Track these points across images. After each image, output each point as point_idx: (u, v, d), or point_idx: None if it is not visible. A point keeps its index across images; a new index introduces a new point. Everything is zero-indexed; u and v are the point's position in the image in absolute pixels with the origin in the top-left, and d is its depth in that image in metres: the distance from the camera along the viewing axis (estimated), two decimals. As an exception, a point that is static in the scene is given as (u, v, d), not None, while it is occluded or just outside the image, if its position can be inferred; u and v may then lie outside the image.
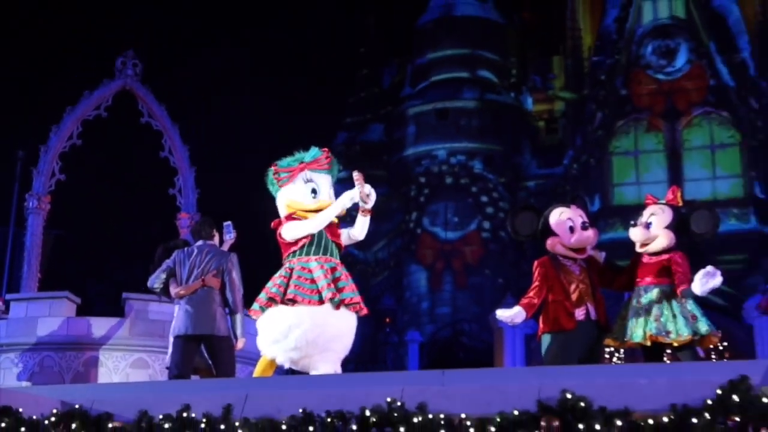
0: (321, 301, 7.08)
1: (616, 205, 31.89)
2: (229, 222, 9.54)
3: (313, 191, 7.40)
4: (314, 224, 7.29)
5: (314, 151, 7.55)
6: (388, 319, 34.46)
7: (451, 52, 35.49)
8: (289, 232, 7.32)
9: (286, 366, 7.30)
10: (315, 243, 7.28)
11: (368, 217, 7.47)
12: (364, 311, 7.33)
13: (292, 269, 7.25)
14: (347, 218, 7.56)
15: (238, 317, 8.43)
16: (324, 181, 7.48)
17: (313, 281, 7.14)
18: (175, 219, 17.64)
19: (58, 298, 12.31)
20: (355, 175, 7.27)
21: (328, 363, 7.10)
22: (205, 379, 8.40)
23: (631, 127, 33.28)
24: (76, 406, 5.30)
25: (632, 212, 7.71)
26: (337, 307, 7.10)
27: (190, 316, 8.33)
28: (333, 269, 7.24)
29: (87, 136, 18.00)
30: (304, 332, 7.02)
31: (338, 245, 7.43)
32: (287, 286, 7.17)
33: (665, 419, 4.66)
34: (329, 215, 7.31)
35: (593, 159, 33.09)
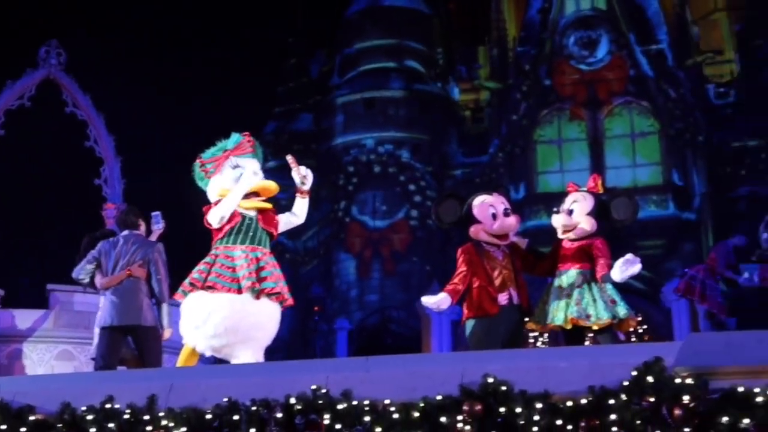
0: (240, 290, 7.03)
1: (541, 192, 32.19)
2: (158, 212, 9.43)
3: (241, 176, 7.35)
4: (225, 205, 7.22)
5: (235, 137, 7.52)
6: (317, 308, 34.34)
7: (379, 42, 35.48)
8: (211, 216, 7.26)
9: (207, 354, 7.25)
10: (243, 231, 7.22)
11: (307, 199, 7.51)
12: (289, 302, 7.28)
13: (216, 256, 7.20)
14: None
15: (165, 307, 8.37)
16: (251, 165, 7.43)
17: (234, 269, 7.08)
18: (101, 210, 17.35)
19: (-20, 290, 12.06)
20: (289, 158, 7.30)
21: (249, 351, 7.04)
22: (130, 369, 8.30)
23: (555, 117, 33.64)
24: (-3, 399, 5.19)
25: (556, 199, 7.80)
26: (257, 296, 7.04)
27: (116, 307, 8.23)
28: (258, 259, 7.18)
29: (10, 126, 17.65)
30: (222, 319, 6.95)
31: (270, 234, 7.38)
32: (209, 272, 7.11)
33: (583, 401, 4.73)
34: (236, 195, 7.24)
35: (518, 148, 33.37)
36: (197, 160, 7.48)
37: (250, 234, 7.22)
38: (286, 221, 7.53)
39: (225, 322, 6.95)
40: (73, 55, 18.27)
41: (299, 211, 7.55)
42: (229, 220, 7.20)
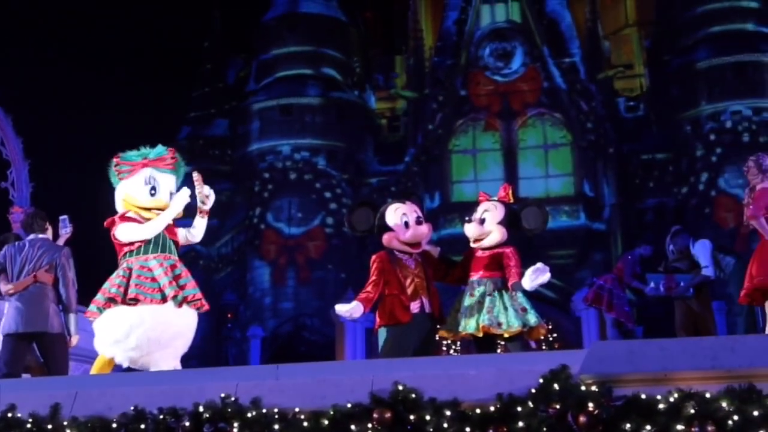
0: (164, 300, 6.97)
1: (456, 201, 32.40)
2: (65, 216, 9.23)
3: (153, 189, 7.25)
4: (150, 230, 7.19)
5: (160, 149, 7.42)
6: (230, 315, 34.12)
7: (296, 48, 35.39)
8: (124, 234, 7.17)
9: (125, 365, 7.14)
10: (153, 241, 7.17)
11: (206, 219, 7.42)
12: (206, 307, 7.26)
13: (131, 269, 7.10)
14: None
15: (72, 314, 8.18)
16: (166, 181, 7.34)
17: (154, 279, 7.02)
18: (7, 213, 16.91)
19: None
20: (195, 176, 7.20)
21: (168, 360, 6.99)
22: (34, 377, 8.10)
23: (470, 127, 33.95)
24: None
25: (471, 208, 7.86)
26: (179, 304, 7.01)
27: (21, 313, 8.02)
28: (173, 266, 7.15)
29: None
30: (145, 331, 6.90)
31: (176, 242, 7.32)
32: (127, 285, 7.02)
33: (492, 408, 4.78)
34: (164, 221, 7.21)
35: (433, 157, 33.61)
36: (114, 158, 7.36)
37: (160, 243, 7.17)
38: (184, 237, 7.47)
39: (148, 333, 6.89)
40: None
41: (197, 231, 7.50)
42: None
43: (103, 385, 5.62)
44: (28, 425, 4.88)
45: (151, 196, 7.26)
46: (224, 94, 39.71)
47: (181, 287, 7.07)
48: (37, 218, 8.48)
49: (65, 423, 4.88)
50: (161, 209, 7.24)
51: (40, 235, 8.34)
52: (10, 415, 4.91)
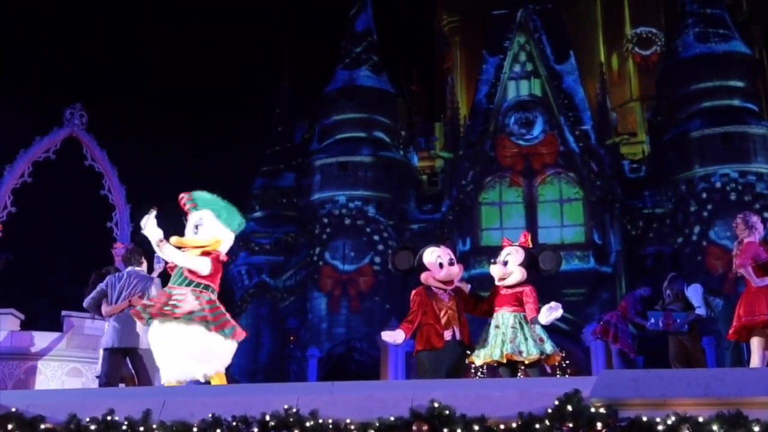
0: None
1: (484, 245, 32.24)
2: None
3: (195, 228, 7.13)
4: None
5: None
6: (292, 337, 34.11)
7: (352, 115, 35.68)
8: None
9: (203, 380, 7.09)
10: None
11: (156, 249, 7.09)
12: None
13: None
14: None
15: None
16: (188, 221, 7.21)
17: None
18: (111, 248, 17.12)
19: (4, 314, 11.81)
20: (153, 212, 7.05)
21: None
22: (129, 387, 8.15)
23: (497, 183, 33.86)
24: (12, 410, 5.06)
25: (496, 252, 7.82)
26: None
27: (118, 332, 8.11)
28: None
29: (37, 174, 17.47)
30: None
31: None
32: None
33: (514, 425, 4.70)
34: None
35: (466, 208, 33.53)
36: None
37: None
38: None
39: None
40: (93, 116, 18.19)
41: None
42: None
43: (187, 395, 5.62)
44: (124, 427, 4.89)
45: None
46: (292, 152, 40.12)
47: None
48: (135, 254, 8.59)
49: (154, 426, 4.88)
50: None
51: (137, 268, 8.44)
52: (109, 418, 4.93)
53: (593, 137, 33.99)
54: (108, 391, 6.66)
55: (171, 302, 6.73)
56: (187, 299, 6.74)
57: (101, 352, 8.43)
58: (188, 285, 6.84)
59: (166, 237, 6.95)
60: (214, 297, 6.90)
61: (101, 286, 8.35)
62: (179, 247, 6.96)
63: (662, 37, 40.60)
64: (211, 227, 6.99)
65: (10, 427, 4.98)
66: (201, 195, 7.13)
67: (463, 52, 42.33)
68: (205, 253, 6.89)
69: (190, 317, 6.63)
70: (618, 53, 41.88)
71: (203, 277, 6.85)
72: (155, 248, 7.02)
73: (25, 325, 12.16)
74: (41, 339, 11.41)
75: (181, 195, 7.16)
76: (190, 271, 6.86)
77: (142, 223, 7.00)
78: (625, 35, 41.89)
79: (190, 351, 6.61)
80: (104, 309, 8.28)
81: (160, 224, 7.05)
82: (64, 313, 11.90)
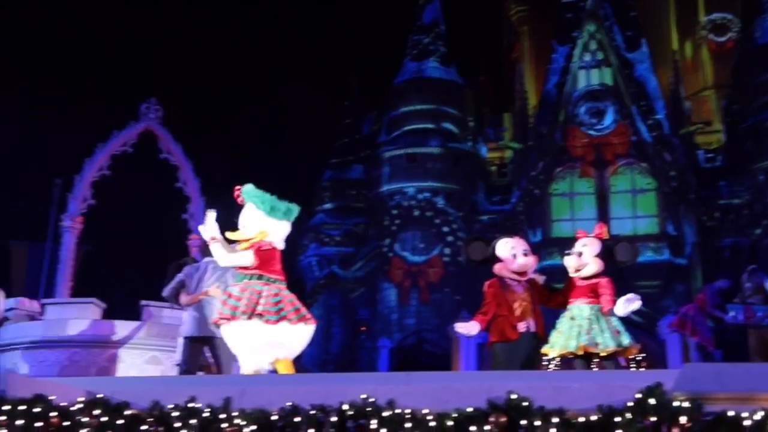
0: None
1: (555, 237, 31.92)
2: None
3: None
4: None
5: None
6: (363, 328, 34.30)
7: (420, 107, 35.63)
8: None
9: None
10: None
11: (212, 245, 7.07)
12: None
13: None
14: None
15: None
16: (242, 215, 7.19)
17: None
18: (187, 240, 17.48)
19: (86, 303, 12.14)
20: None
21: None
22: (209, 375, 8.30)
23: (567, 174, 33.45)
24: (99, 396, 5.20)
25: (568, 244, 7.74)
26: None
27: (197, 321, 8.25)
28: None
29: (115, 167, 17.91)
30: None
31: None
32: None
33: (593, 418, 4.63)
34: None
35: (536, 199, 33.21)
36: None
37: None
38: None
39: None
40: (168, 110, 18.56)
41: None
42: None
43: (265, 383, 5.69)
44: (205, 414, 4.97)
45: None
46: (360, 144, 40.25)
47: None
48: (215, 244, 8.69)
49: (235, 414, 4.95)
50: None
51: (213, 259, 8.56)
52: (191, 405, 5.01)
53: (666, 126, 33.29)
54: (188, 379, 6.79)
55: (230, 302, 6.83)
56: (241, 295, 6.80)
57: (180, 340, 8.59)
58: (242, 279, 6.93)
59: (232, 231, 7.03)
60: (273, 286, 6.85)
61: (180, 276, 8.52)
62: (233, 241, 7.00)
63: (738, 23, 39.41)
64: (254, 220, 7.00)
65: (96, 412, 5.10)
66: (246, 188, 7.14)
67: (532, 42, 41.83)
68: (251, 246, 6.92)
69: (246, 314, 6.69)
70: (691, 40, 40.85)
71: (253, 269, 6.85)
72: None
73: (106, 315, 12.47)
74: (122, 328, 11.68)
75: (236, 188, 7.18)
76: (240, 267, 6.94)
77: (205, 221, 7.07)
78: (698, 22, 40.81)
79: (254, 344, 6.69)
80: (183, 299, 8.45)
81: (231, 218, 7.14)
82: (143, 302, 12.17)
